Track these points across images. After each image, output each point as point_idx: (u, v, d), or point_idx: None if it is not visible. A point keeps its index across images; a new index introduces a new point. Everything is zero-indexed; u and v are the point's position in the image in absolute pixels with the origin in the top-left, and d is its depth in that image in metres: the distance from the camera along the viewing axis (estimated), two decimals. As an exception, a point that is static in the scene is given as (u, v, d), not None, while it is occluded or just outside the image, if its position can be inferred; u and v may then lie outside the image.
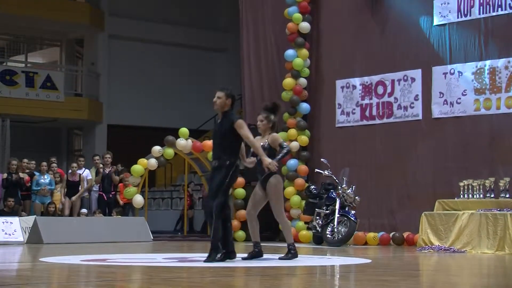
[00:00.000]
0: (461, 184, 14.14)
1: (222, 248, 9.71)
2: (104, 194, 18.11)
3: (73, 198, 17.63)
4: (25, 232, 15.47)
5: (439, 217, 13.72)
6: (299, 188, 16.89)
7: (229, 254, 9.82)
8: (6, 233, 15.33)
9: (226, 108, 9.78)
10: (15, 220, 15.66)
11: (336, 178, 15.01)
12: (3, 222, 15.45)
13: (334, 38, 17.54)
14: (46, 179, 17.58)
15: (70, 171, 18.13)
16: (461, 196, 14.09)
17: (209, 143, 16.73)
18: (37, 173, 17.74)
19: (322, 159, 15.57)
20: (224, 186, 9.63)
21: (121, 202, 17.81)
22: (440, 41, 15.76)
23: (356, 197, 14.82)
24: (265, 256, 10.39)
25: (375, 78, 16.68)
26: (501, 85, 14.84)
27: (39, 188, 17.42)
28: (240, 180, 17.26)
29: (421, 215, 13.95)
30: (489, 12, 15.10)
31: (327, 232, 14.67)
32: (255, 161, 10.08)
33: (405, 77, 16.21)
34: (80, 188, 17.80)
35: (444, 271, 9.75)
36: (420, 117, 15.93)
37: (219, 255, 9.67)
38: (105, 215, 17.67)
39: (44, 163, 17.85)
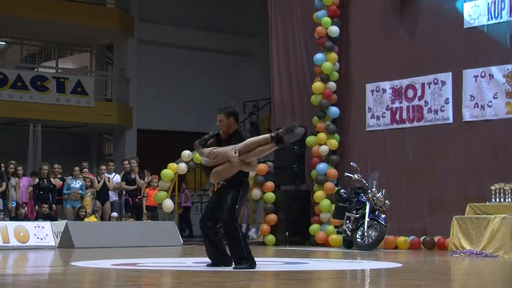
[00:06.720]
0: (493, 187, 14.01)
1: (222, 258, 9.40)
2: (130, 199, 18.29)
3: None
4: (57, 237, 15.62)
5: (471, 221, 13.60)
6: (328, 192, 16.86)
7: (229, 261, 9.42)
8: (38, 238, 15.49)
9: (232, 129, 9.44)
10: (46, 224, 15.81)
11: (366, 182, 14.95)
12: (35, 227, 15.60)
13: (363, 41, 17.48)
14: (77, 183, 17.71)
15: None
16: (493, 200, 13.97)
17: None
18: (68, 178, 17.87)
19: (351, 163, 15.52)
20: (237, 205, 9.20)
21: (144, 207, 18.01)
22: (470, 44, 15.64)
23: (386, 201, 14.75)
24: (296, 260, 10.32)
25: (405, 82, 16.59)
26: (532, 88, 14.70)
27: (69, 192, 17.54)
28: (270, 184, 17.31)
29: (452, 219, 13.84)
30: (520, 14, 14.97)
31: (357, 236, 14.61)
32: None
33: (436, 81, 16.11)
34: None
35: (476, 275, 9.67)
36: (450, 121, 15.81)
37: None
38: (134, 219, 17.80)
39: (77, 168, 17.99)
